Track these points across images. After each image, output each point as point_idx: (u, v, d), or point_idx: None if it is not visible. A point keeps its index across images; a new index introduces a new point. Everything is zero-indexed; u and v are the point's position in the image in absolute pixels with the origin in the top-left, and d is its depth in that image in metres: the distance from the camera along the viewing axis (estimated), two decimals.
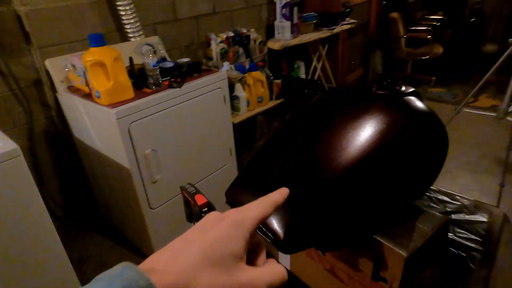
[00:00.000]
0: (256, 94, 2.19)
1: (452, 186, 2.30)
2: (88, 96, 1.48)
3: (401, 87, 0.66)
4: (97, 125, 1.53)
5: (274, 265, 0.32)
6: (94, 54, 1.31)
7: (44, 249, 1.28)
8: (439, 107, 3.52)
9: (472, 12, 4.75)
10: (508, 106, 1.60)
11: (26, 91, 1.69)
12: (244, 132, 2.82)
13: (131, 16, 1.84)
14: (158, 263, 0.26)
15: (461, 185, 2.33)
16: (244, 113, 2.16)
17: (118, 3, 1.79)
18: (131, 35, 1.89)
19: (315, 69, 3.07)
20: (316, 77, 3.05)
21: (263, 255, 0.34)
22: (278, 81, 2.36)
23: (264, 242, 0.35)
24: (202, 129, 1.74)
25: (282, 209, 0.54)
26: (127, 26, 1.86)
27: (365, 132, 0.57)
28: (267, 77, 2.27)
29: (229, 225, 0.29)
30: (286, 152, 0.62)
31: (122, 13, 1.82)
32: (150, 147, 1.50)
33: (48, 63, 1.60)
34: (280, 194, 0.35)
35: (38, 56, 1.66)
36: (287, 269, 0.79)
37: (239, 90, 2.08)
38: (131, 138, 1.41)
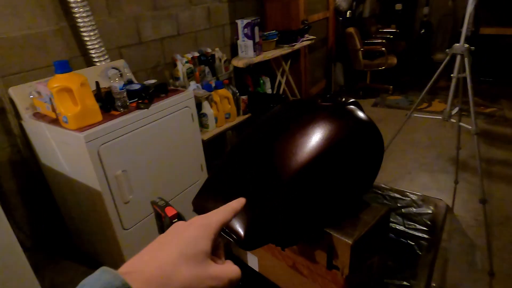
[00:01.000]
0: (224, 110, 2.27)
1: (412, 186, 2.46)
2: (55, 121, 1.50)
3: (342, 99, 0.76)
4: (65, 150, 1.54)
5: (232, 264, 0.37)
6: (60, 80, 1.34)
7: (15, 278, 1.26)
8: (397, 113, 3.76)
9: (422, 25, 5.14)
10: (451, 109, 1.77)
11: None
12: (214, 148, 2.88)
13: (95, 41, 1.88)
14: (138, 264, 0.30)
15: (420, 184, 2.49)
16: (213, 130, 2.22)
17: (81, 29, 1.83)
18: (96, 60, 1.92)
19: (279, 84, 3.21)
20: (281, 91, 3.19)
21: (222, 256, 0.40)
22: (244, 97, 2.46)
23: (222, 244, 0.41)
24: (172, 148, 1.78)
25: (242, 211, 0.61)
26: (92, 51, 1.90)
27: (312, 138, 0.65)
28: (233, 94, 2.36)
29: (198, 228, 0.34)
30: (245, 161, 0.69)
31: (86, 38, 1.86)
32: (121, 168, 1.52)
33: (12, 91, 1.60)
34: (239, 202, 0.43)
35: (1, 84, 1.66)
36: (256, 270, 0.85)
37: (207, 108, 2.15)
38: (101, 161, 1.44)
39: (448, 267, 1.11)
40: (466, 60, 1.60)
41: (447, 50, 1.69)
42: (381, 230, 0.69)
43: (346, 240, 0.61)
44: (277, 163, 0.64)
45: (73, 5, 1.76)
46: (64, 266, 1.94)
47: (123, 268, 0.30)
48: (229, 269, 0.35)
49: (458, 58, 1.64)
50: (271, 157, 0.65)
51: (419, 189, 2.42)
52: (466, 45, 1.60)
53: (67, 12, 1.83)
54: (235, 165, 0.70)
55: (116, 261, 1.75)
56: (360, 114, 0.73)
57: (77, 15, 1.79)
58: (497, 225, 2.05)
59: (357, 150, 0.69)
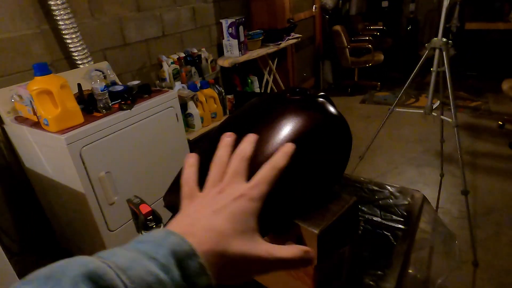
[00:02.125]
0: (209, 110, 2.28)
1: (399, 181, 2.49)
2: (36, 124, 1.49)
3: (311, 92, 0.77)
4: (48, 153, 1.53)
5: (292, 245, 0.35)
6: (39, 82, 1.34)
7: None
8: (385, 109, 3.79)
9: (408, 21, 5.19)
10: (432, 103, 1.80)
11: None
12: None
13: (78, 44, 1.87)
14: (193, 228, 0.29)
15: (407, 178, 2.52)
16: (199, 130, 2.23)
17: (63, 32, 1.82)
18: (79, 62, 1.91)
19: (267, 83, 3.22)
20: (268, 90, 3.20)
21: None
22: (230, 96, 2.47)
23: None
24: (157, 148, 1.79)
25: None
26: (75, 54, 1.89)
27: (280, 132, 0.66)
28: (219, 93, 2.37)
29: (246, 202, 0.32)
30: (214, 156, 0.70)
31: (69, 41, 1.85)
32: (104, 170, 1.52)
33: None
34: (284, 154, 0.39)
35: None
36: None
37: (192, 108, 2.16)
38: (83, 162, 1.43)
39: (431, 257, 1.13)
40: (444, 53, 1.62)
41: (426, 44, 1.72)
42: (350, 220, 0.70)
43: (313, 230, 0.62)
44: None
45: (54, 7, 1.76)
46: None
47: (176, 228, 0.28)
48: (283, 249, 0.33)
49: (437, 52, 1.66)
50: None
51: (406, 183, 2.44)
52: (444, 39, 1.62)
53: (48, 14, 1.82)
54: (204, 160, 0.71)
55: None
56: (329, 107, 0.75)
57: (58, 18, 1.79)
58: (482, 216, 2.09)
59: (325, 142, 0.71)
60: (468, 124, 3.22)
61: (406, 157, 2.79)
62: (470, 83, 4.19)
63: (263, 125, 0.69)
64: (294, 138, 0.66)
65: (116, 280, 0.21)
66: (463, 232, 1.89)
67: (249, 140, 0.41)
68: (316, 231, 0.61)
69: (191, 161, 0.42)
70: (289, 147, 0.40)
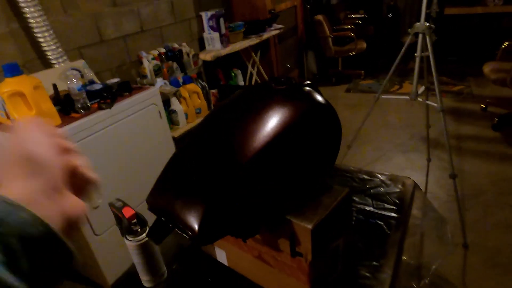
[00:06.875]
0: (194, 105, 2.22)
1: (387, 167, 2.50)
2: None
3: (296, 81, 0.74)
4: None
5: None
6: (10, 84, 1.27)
7: None
8: (370, 97, 3.80)
9: (389, 9, 5.20)
10: (418, 88, 1.79)
11: None
12: None
13: (51, 42, 1.79)
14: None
15: (395, 164, 2.53)
16: (184, 126, 2.17)
17: (35, 31, 1.74)
18: (54, 62, 1.83)
19: (251, 76, 3.17)
20: (253, 83, 3.16)
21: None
22: (214, 90, 2.41)
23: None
24: (142, 147, 1.73)
25: (196, 205, 0.58)
26: (49, 53, 1.80)
27: (268, 123, 0.63)
28: (203, 88, 2.32)
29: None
30: (198, 152, 0.66)
31: (41, 40, 1.76)
32: None
33: None
34: None
35: None
36: (225, 265, 0.83)
37: (175, 104, 2.10)
38: None
39: (423, 243, 1.13)
40: (427, 38, 1.61)
41: (409, 30, 1.70)
42: (343, 212, 0.67)
43: (306, 225, 0.59)
44: (232, 151, 0.61)
45: (23, 4, 1.67)
46: None
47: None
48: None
49: (420, 37, 1.65)
50: (227, 145, 0.63)
51: (394, 170, 2.46)
52: (427, 24, 1.61)
53: (17, 13, 1.73)
54: (190, 156, 0.67)
55: (90, 269, 1.69)
56: (316, 95, 0.71)
57: (28, 15, 1.70)
58: (470, 199, 2.11)
59: (314, 131, 0.68)
60: (452, 108, 3.25)
61: (393, 143, 2.81)
62: (452, 68, 4.24)
63: (249, 117, 0.65)
64: (281, 130, 0.63)
65: None
66: (452, 215, 1.91)
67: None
68: (309, 226, 0.59)
69: None
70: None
